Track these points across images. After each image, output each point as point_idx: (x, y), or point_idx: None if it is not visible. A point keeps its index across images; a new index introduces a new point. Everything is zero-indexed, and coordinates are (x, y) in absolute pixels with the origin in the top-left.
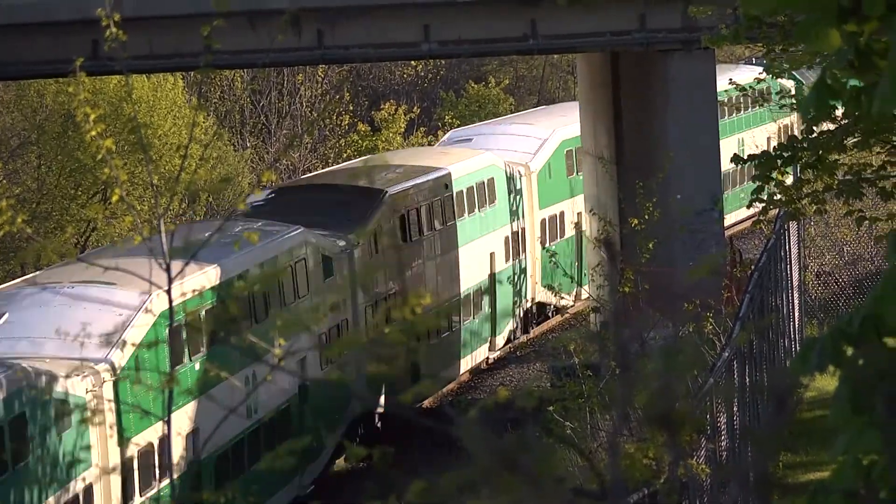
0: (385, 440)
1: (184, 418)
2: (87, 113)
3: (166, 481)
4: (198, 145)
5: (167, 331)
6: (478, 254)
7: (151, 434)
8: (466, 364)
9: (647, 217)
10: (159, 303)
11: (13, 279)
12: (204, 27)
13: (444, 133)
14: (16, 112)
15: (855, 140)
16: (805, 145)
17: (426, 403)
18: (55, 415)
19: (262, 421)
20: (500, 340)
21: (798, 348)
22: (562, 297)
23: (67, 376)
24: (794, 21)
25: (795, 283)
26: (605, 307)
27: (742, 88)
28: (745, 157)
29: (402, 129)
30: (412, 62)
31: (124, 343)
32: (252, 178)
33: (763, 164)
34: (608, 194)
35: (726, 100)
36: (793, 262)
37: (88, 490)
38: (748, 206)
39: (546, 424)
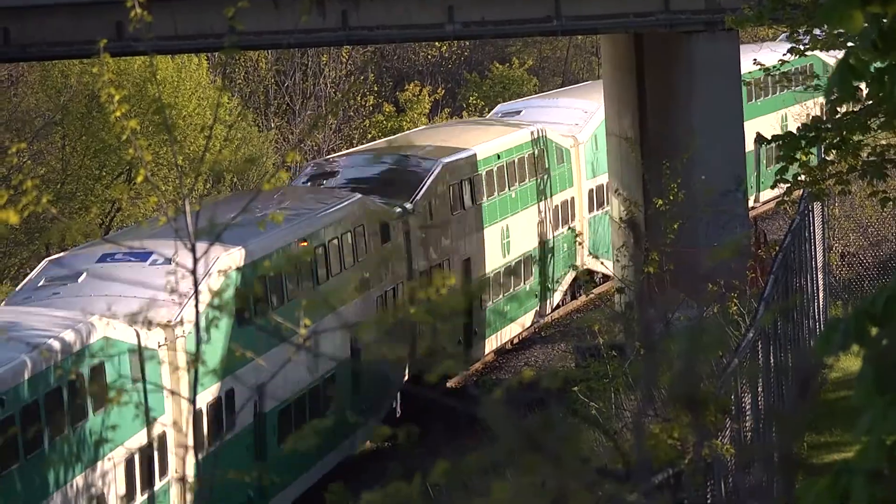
0: (410, 420)
1: None
2: (111, 93)
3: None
4: (222, 126)
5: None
6: None
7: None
8: None
9: (671, 198)
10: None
11: (38, 260)
12: (228, 8)
13: (469, 115)
14: (40, 93)
15: (879, 121)
16: (829, 126)
17: (451, 384)
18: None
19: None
20: None
21: (822, 329)
22: None
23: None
24: (817, 2)
25: (820, 264)
26: (630, 287)
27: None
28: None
29: (427, 110)
30: (436, 43)
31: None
32: (277, 158)
33: (787, 145)
34: (632, 175)
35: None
36: (817, 243)
37: (161, 437)
38: (773, 187)
39: (571, 405)
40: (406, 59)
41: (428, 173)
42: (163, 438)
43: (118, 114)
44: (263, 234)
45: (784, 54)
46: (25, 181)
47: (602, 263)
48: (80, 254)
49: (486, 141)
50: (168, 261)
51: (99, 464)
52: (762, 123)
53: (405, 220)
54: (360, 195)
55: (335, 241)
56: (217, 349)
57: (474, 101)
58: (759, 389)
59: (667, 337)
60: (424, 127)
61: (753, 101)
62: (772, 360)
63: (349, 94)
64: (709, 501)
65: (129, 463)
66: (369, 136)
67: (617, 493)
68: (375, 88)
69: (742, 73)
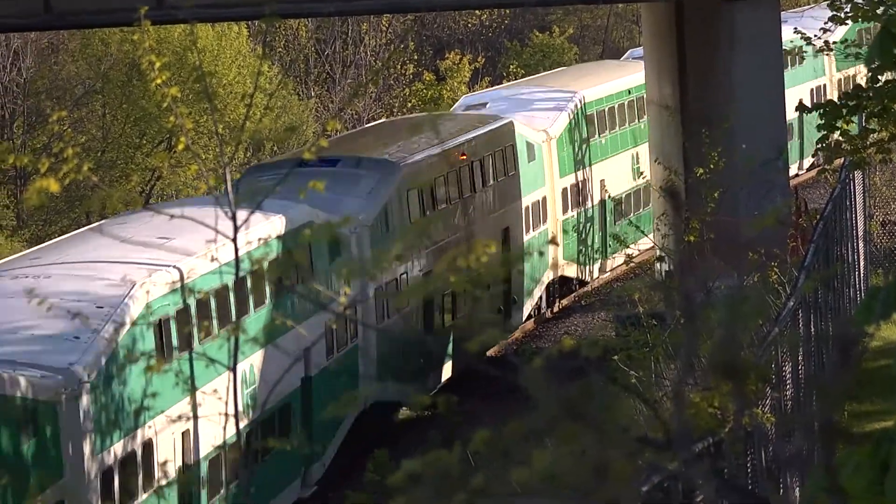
0: (449, 389)
1: None
2: (151, 61)
3: None
4: (262, 94)
5: None
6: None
7: None
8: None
9: (711, 166)
10: None
11: (78, 228)
12: None
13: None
14: (81, 61)
15: None
16: (870, 94)
17: (491, 352)
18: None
19: None
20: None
21: (863, 298)
22: None
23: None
24: None
25: (861, 233)
26: (671, 256)
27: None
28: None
29: (467, 79)
30: (476, 11)
31: None
32: (317, 127)
33: (828, 114)
34: (673, 143)
35: None
36: (858, 211)
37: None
38: (814, 155)
39: (611, 374)
40: (446, 28)
41: (567, 103)
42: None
43: (158, 81)
44: (426, 151)
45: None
46: (66, 149)
47: None
48: (279, 161)
49: (620, 77)
50: (357, 163)
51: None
52: None
53: (548, 142)
54: (510, 118)
55: (490, 156)
56: (392, 239)
57: (514, 70)
58: (800, 358)
59: (707, 306)
60: (569, 67)
61: None
62: (812, 329)
63: (389, 63)
64: (749, 470)
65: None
66: (409, 104)
67: (657, 461)
68: (415, 57)
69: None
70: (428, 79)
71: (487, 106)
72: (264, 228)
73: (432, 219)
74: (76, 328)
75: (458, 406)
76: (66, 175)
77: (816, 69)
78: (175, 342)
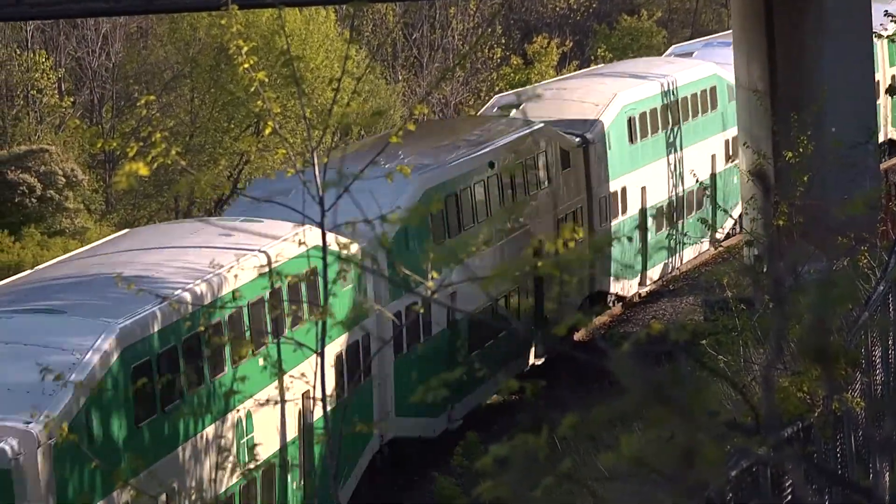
0: (538, 373)
1: None
2: (239, 45)
3: None
4: (350, 78)
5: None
6: None
7: None
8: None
9: (801, 150)
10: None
11: (168, 211)
12: None
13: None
14: (169, 45)
15: None
16: None
17: (578, 336)
18: None
19: None
20: None
21: None
22: None
23: None
24: None
25: None
26: (759, 240)
27: None
28: None
29: (555, 63)
30: None
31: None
32: (404, 111)
33: None
34: (762, 127)
35: None
36: None
37: None
38: None
39: (699, 358)
40: (534, 12)
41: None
42: None
43: (246, 66)
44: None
45: None
46: (154, 133)
47: None
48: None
49: None
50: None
51: None
52: None
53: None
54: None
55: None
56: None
57: (602, 54)
58: (890, 342)
59: (796, 290)
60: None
61: None
62: None
63: (477, 47)
64: (838, 455)
65: None
66: (497, 88)
67: (746, 446)
68: (503, 41)
69: None
70: (515, 63)
71: (694, 55)
72: None
73: None
74: None
75: (546, 391)
76: (154, 159)
77: None
78: None
